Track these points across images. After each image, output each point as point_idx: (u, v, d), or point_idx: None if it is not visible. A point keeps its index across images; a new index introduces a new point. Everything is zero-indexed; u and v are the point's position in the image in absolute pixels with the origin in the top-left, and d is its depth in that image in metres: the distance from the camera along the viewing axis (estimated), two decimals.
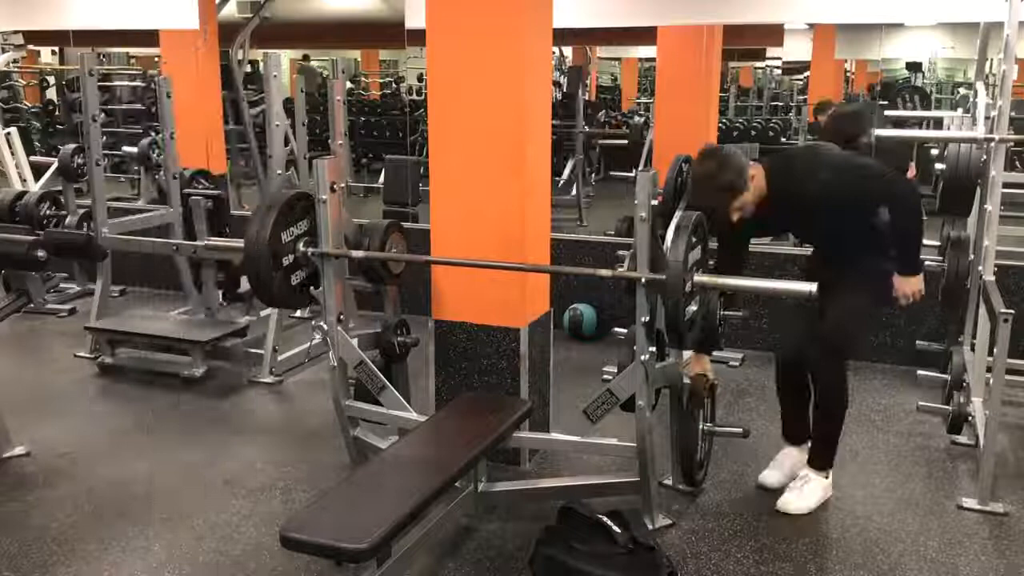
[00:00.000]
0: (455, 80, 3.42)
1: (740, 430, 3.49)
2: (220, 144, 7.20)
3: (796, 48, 9.76)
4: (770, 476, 3.46)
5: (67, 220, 5.34)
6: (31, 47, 9.61)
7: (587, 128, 8.62)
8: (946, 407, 3.90)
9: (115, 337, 4.86)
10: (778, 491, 3.39)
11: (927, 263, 3.68)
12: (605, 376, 4.35)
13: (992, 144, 3.73)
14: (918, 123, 6.44)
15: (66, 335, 5.44)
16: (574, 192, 8.19)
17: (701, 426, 3.36)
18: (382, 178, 8.26)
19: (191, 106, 6.48)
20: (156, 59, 8.41)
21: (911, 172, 4.91)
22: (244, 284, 4.85)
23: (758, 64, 11.47)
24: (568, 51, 12.20)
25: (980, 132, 3.92)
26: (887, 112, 4.93)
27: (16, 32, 7.78)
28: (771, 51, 10.57)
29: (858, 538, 3.12)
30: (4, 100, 10.19)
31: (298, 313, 5.34)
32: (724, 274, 3.20)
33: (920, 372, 4.45)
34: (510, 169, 3.39)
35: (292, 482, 3.55)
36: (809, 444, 3.41)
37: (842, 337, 3.22)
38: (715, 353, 4.63)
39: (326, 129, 6.94)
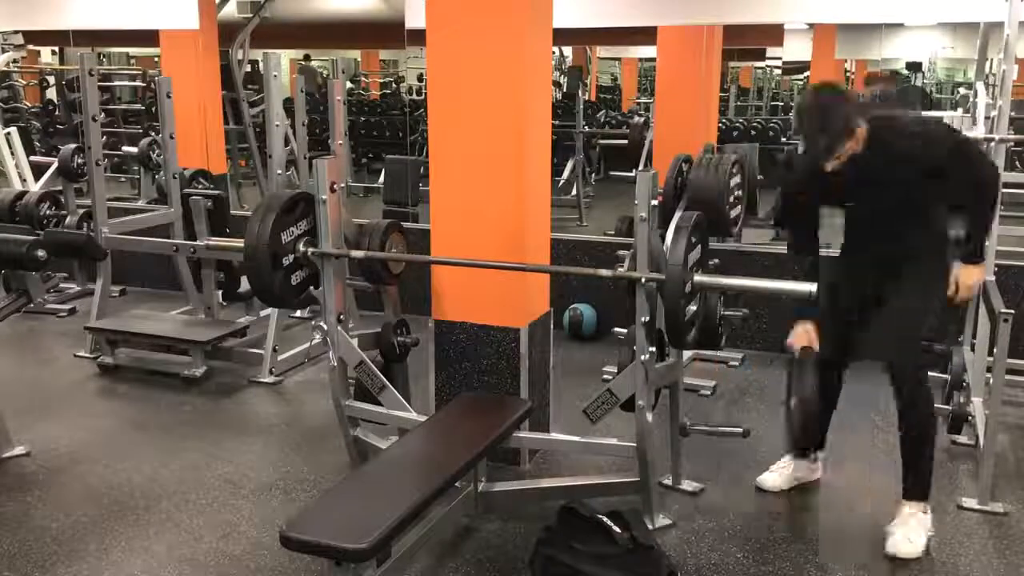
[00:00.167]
0: (455, 80, 3.42)
1: (740, 430, 3.48)
2: (220, 144, 7.20)
3: (796, 48, 9.75)
4: (769, 479, 3.43)
5: (67, 220, 5.33)
6: (31, 47, 9.59)
7: (587, 128, 8.62)
8: (946, 407, 3.89)
9: (115, 337, 4.86)
10: (777, 493, 3.39)
11: None
12: (605, 376, 4.35)
13: (992, 144, 3.74)
14: None
15: (66, 335, 5.44)
16: (574, 192, 8.20)
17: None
18: (382, 178, 8.26)
19: (191, 106, 6.49)
20: (156, 59, 8.41)
21: None
22: (244, 284, 4.85)
23: (758, 64, 11.46)
24: (568, 51, 12.20)
25: (980, 132, 3.92)
26: None
27: (16, 32, 7.78)
28: (771, 51, 10.57)
29: (858, 538, 3.12)
30: (4, 100, 10.18)
31: (298, 313, 5.34)
32: (804, 253, 3.12)
33: None
34: (510, 169, 3.39)
35: (292, 482, 3.55)
36: (821, 455, 3.35)
37: (918, 343, 3.03)
38: (715, 353, 4.68)
39: (326, 129, 6.93)
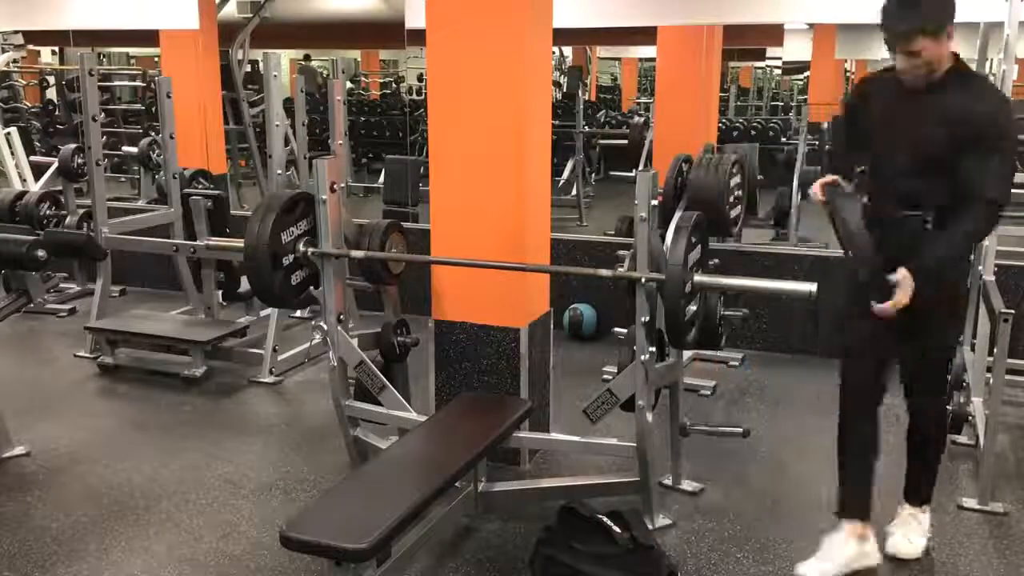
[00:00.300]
0: (455, 80, 3.42)
1: (740, 430, 3.48)
2: (220, 144, 7.20)
3: (796, 48, 9.76)
4: (816, 568, 2.87)
5: (67, 220, 5.34)
6: (31, 47, 9.61)
7: (587, 128, 8.62)
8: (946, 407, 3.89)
9: (115, 337, 4.85)
10: (775, 490, 3.38)
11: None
12: (605, 376, 4.35)
13: None
14: None
15: (66, 335, 5.44)
16: (574, 192, 8.20)
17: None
18: (382, 178, 8.26)
19: (191, 106, 6.49)
20: (156, 59, 8.40)
21: None
22: (244, 284, 4.85)
23: (758, 64, 11.47)
24: (568, 51, 12.21)
25: None
26: None
27: (16, 32, 7.79)
28: (771, 51, 10.58)
29: None
30: (4, 100, 10.19)
31: (298, 313, 5.34)
32: (839, 173, 2.83)
33: None
34: (510, 169, 3.39)
35: (292, 482, 3.55)
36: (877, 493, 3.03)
37: (952, 350, 2.89)
38: (715, 353, 4.67)
39: (326, 129, 6.94)
